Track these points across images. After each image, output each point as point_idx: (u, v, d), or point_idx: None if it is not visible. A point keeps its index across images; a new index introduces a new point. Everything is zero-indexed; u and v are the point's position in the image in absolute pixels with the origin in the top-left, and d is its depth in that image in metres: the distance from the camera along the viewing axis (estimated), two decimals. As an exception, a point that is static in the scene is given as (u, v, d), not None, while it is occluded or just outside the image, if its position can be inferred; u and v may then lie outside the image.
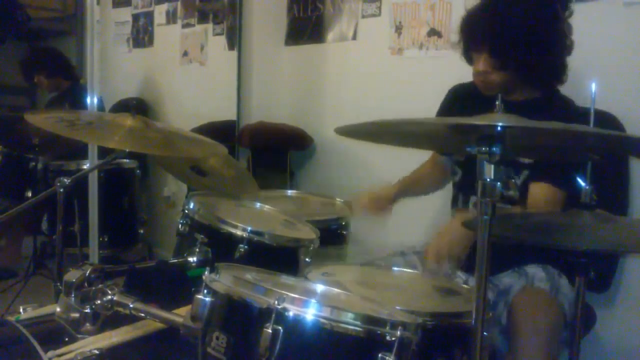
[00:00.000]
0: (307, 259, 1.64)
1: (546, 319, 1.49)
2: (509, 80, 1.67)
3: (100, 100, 3.21)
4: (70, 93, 3.64)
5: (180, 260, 1.62)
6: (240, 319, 1.10)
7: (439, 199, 2.22)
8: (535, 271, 1.66)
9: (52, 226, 3.07)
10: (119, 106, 3.93)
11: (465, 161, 1.84)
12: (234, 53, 3.37)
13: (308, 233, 1.76)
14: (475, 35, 1.68)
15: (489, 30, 1.62)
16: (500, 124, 0.96)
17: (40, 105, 4.61)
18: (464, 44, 1.75)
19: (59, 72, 3.71)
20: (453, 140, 1.21)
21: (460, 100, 1.90)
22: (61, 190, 1.70)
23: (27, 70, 3.83)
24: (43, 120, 1.62)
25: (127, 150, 1.75)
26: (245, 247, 1.57)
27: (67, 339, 1.27)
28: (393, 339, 1.05)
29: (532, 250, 1.69)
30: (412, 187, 2.02)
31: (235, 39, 3.37)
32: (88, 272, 1.32)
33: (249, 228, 1.59)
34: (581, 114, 1.69)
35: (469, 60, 1.76)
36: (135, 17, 4.21)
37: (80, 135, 1.62)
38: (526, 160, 1.69)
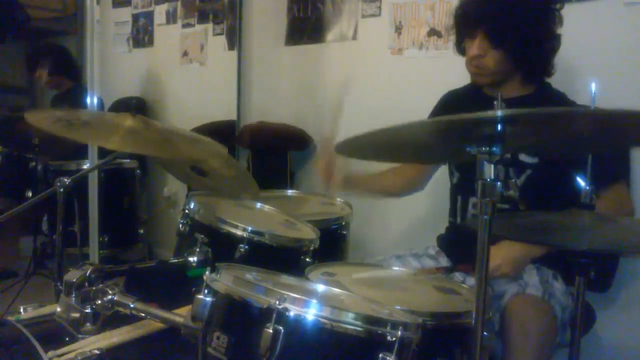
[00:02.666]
0: (307, 259, 1.64)
1: (537, 324, 1.50)
2: (503, 64, 1.68)
3: (101, 101, 3.21)
4: (72, 94, 3.62)
5: (180, 260, 1.62)
6: (240, 318, 1.10)
7: (436, 202, 2.22)
8: (529, 275, 1.67)
9: (52, 226, 3.07)
10: (119, 105, 3.93)
11: (463, 163, 1.85)
12: (234, 53, 3.37)
13: (308, 233, 1.76)
14: (469, 17, 1.70)
15: (483, 10, 1.66)
16: (499, 113, 0.96)
17: (41, 105, 4.60)
18: (457, 32, 1.77)
19: (62, 71, 3.68)
20: (453, 142, 1.21)
21: (453, 105, 1.91)
22: (61, 190, 1.70)
23: (30, 64, 3.80)
24: (41, 119, 1.61)
25: (128, 151, 1.74)
26: (246, 247, 1.57)
27: (67, 339, 1.27)
28: (394, 339, 1.05)
29: None
30: (369, 182, 2.00)
31: (235, 39, 3.37)
32: (88, 272, 1.32)
33: (249, 228, 1.59)
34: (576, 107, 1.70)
35: (462, 51, 1.77)
36: (135, 17, 4.21)
37: (79, 136, 1.62)
38: (529, 160, 1.70)
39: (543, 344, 1.49)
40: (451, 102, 1.93)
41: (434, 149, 1.35)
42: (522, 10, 1.64)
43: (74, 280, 1.31)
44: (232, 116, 3.37)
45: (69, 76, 3.67)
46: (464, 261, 1.70)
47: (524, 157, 1.70)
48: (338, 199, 2.28)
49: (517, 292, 1.60)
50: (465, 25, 1.72)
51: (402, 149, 1.30)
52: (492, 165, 1.02)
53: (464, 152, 1.06)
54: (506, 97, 1.71)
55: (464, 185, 1.85)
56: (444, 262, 1.87)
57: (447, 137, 1.17)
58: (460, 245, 1.79)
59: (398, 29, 2.61)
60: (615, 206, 1.64)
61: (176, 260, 1.64)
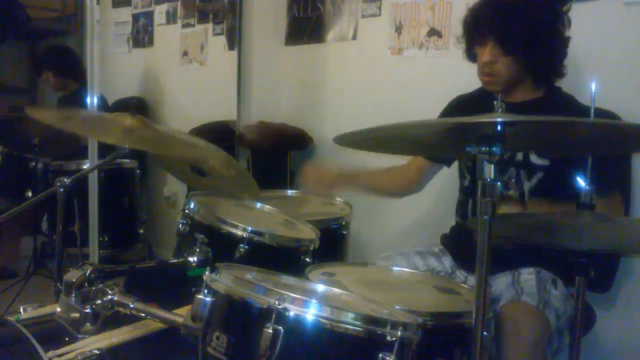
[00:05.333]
0: (307, 259, 1.64)
1: (530, 332, 1.49)
2: (515, 69, 1.68)
3: (103, 99, 3.21)
4: (78, 96, 3.61)
5: (180, 260, 1.62)
6: (240, 319, 1.10)
7: (437, 202, 2.22)
8: (527, 280, 1.66)
9: (52, 226, 3.07)
10: (119, 105, 3.92)
11: (474, 166, 1.84)
12: (234, 53, 3.37)
13: (308, 233, 1.76)
14: (481, 24, 1.70)
15: (495, 16, 1.67)
16: (499, 119, 0.97)
17: (42, 105, 4.60)
18: (467, 39, 1.77)
19: (69, 73, 3.68)
20: (454, 143, 1.21)
21: (460, 110, 1.91)
22: (61, 190, 1.70)
23: (37, 65, 3.79)
24: (42, 115, 1.61)
25: (127, 146, 1.74)
26: (246, 247, 1.57)
27: (67, 339, 1.27)
28: (393, 339, 1.05)
29: (529, 251, 1.69)
30: (365, 179, 2.02)
31: (235, 39, 3.37)
32: (88, 272, 1.32)
33: (249, 228, 1.59)
34: (586, 110, 1.70)
35: (473, 57, 1.77)
36: (135, 17, 4.21)
37: (78, 129, 1.62)
38: (540, 162, 1.69)
39: (535, 350, 1.48)
40: (460, 106, 1.93)
41: (436, 147, 1.35)
42: (532, 16, 1.64)
43: (74, 280, 1.31)
44: (232, 116, 3.37)
45: (76, 78, 3.67)
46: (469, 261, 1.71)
47: (535, 160, 1.69)
48: (338, 199, 2.28)
49: (512, 297, 1.59)
50: (476, 33, 1.72)
51: (405, 144, 1.30)
52: (492, 165, 1.03)
53: (464, 151, 1.06)
54: (516, 101, 1.71)
55: (475, 188, 1.85)
56: (448, 261, 1.88)
57: (448, 137, 1.17)
58: (464, 245, 1.79)
59: (398, 29, 2.61)
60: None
61: (176, 260, 1.63)
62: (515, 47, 1.65)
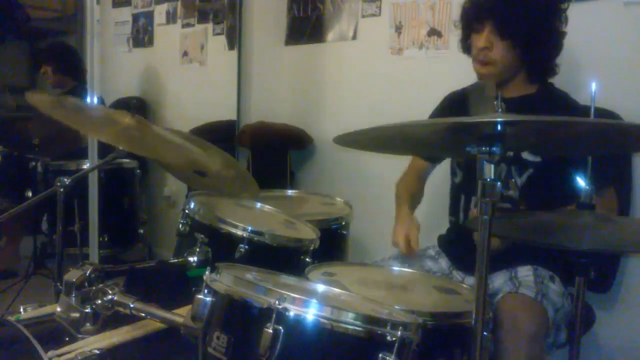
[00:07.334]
0: (307, 259, 1.64)
1: (528, 323, 1.49)
2: (510, 58, 1.69)
3: (102, 100, 3.21)
4: (75, 94, 3.60)
5: (180, 260, 1.62)
6: (240, 318, 1.10)
7: (437, 202, 2.21)
8: (525, 276, 1.66)
9: (52, 226, 3.07)
10: (119, 105, 3.92)
11: (466, 162, 1.85)
12: (234, 53, 3.37)
13: (308, 233, 1.76)
14: (478, 9, 1.72)
15: (492, 1, 1.69)
16: (499, 119, 0.97)
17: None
18: (464, 27, 1.78)
19: (67, 70, 3.68)
20: (453, 142, 1.21)
21: (454, 106, 1.91)
22: (61, 190, 1.70)
23: (36, 61, 3.79)
24: (41, 100, 1.60)
25: (122, 148, 1.74)
26: (246, 247, 1.57)
27: (67, 339, 1.27)
28: (394, 339, 1.05)
29: (527, 250, 1.69)
30: (412, 207, 2.00)
31: (235, 39, 3.37)
32: (88, 272, 1.32)
33: (249, 228, 1.59)
34: (579, 107, 1.70)
35: (467, 49, 1.78)
36: (135, 17, 4.21)
37: (75, 123, 1.60)
38: (532, 159, 1.70)
39: (534, 343, 1.48)
40: (454, 103, 1.93)
41: (436, 146, 1.35)
42: (530, 4, 1.66)
43: (74, 280, 1.31)
44: (232, 116, 3.37)
45: (74, 76, 3.66)
46: (466, 262, 1.70)
47: (526, 156, 1.70)
48: (338, 199, 2.29)
49: (509, 290, 1.60)
50: (474, 18, 1.73)
51: (405, 144, 1.30)
52: (492, 165, 1.02)
53: (464, 150, 1.06)
54: (509, 97, 1.71)
55: (467, 184, 1.85)
56: (444, 263, 1.87)
57: (447, 136, 1.17)
58: (461, 245, 1.79)
59: (398, 29, 2.61)
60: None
61: (176, 260, 1.63)
62: (512, 32, 1.66)
